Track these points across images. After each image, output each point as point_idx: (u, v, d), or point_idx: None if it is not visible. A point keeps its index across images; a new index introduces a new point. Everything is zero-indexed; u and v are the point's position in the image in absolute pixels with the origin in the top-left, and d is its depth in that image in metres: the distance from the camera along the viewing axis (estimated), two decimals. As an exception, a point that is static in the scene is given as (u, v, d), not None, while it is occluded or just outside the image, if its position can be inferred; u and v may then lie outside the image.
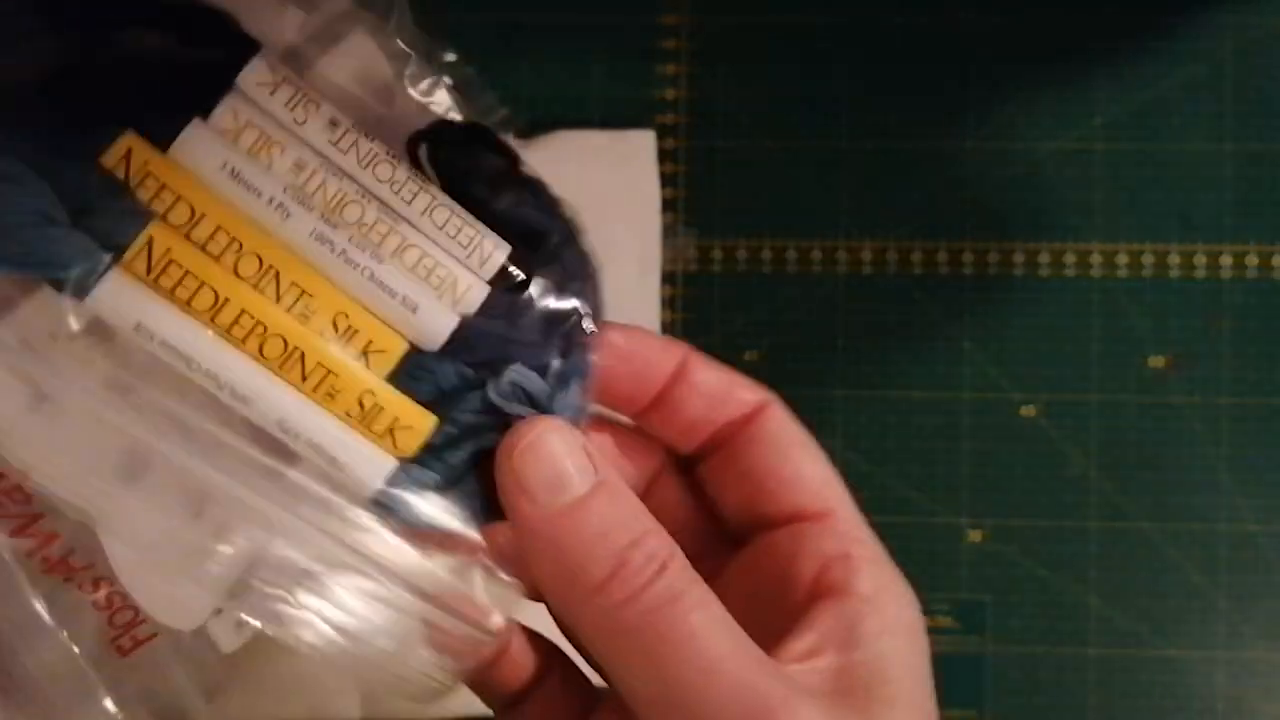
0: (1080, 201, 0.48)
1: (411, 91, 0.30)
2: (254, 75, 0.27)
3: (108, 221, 0.25)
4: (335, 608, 0.27)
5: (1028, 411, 0.48)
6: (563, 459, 0.27)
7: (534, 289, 0.29)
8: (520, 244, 0.29)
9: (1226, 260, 0.48)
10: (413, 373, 0.27)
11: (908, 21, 0.48)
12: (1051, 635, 0.48)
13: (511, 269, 0.29)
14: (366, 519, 0.27)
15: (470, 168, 0.29)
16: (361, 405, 0.27)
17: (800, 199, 0.48)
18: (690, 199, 0.48)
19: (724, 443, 0.31)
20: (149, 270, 0.25)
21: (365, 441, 0.27)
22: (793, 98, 0.48)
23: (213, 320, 0.26)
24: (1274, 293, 0.48)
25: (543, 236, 0.30)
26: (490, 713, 0.43)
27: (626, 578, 0.26)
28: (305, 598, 0.27)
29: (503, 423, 0.28)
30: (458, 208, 0.28)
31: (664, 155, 0.48)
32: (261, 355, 0.26)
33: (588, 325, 0.30)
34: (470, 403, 0.28)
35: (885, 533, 0.48)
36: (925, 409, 0.48)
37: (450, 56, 0.47)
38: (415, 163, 0.29)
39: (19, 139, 0.25)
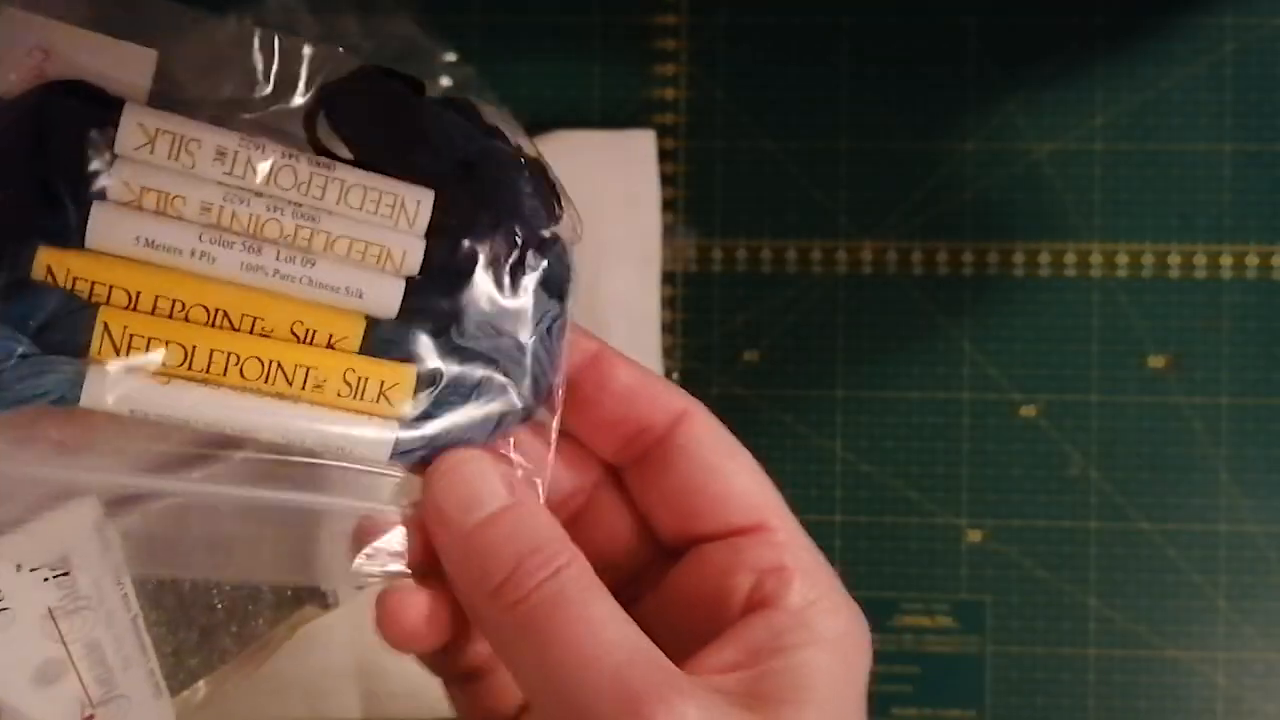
0: (1080, 201, 0.48)
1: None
2: (128, 138, 0.27)
3: (64, 328, 0.27)
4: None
5: (1028, 411, 0.48)
6: (477, 483, 0.29)
7: (479, 218, 0.29)
8: (456, 175, 0.29)
9: (1226, 260, 0.48)
10: (378, 346, 0.29)
11: (908, 21, 0.48)
12: (1051, 635, 0.48)
13: (441, 215, 0.29)
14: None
15: (371, 120, 0.29)
16: (348, 382, 0.28)
17: (800, 199, 0.48)
18: (690, 199, 0.48)
19: (646, 452, 0.31)
20: (117, 351, 0.27)
21: (363, 421, 0.29)
22: (793, 98, 0.48)
23: (189, 369, 0.28)
24: (1274, 293, 0.48)
25: (474, 158, 0.29)
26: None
27: (520, 580, 0.27)
28: None
29: (484, 357, 0.29)
30: (370, 177, 0.29)
31: (664, 155, 0.48)
32: (244, 378, 0.28)
33: (537, 230, 0.30)
34: (440, 348, 0.29)
35: (885, 533, 0.49)
36: (925, 409, 0.48)
37: (450, 56, 0.48)
38: (316, 143, 0.29)
39: None
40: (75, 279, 0.27)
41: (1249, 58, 0.48)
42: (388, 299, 0.29)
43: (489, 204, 0.29)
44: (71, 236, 0.27)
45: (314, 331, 0.28)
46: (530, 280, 0.29)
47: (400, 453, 0.29)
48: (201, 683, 0.37)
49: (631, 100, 0.48)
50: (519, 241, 0.29)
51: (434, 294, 0.29)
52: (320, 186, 0.28)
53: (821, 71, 0.48)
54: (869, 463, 0.48)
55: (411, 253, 0.29)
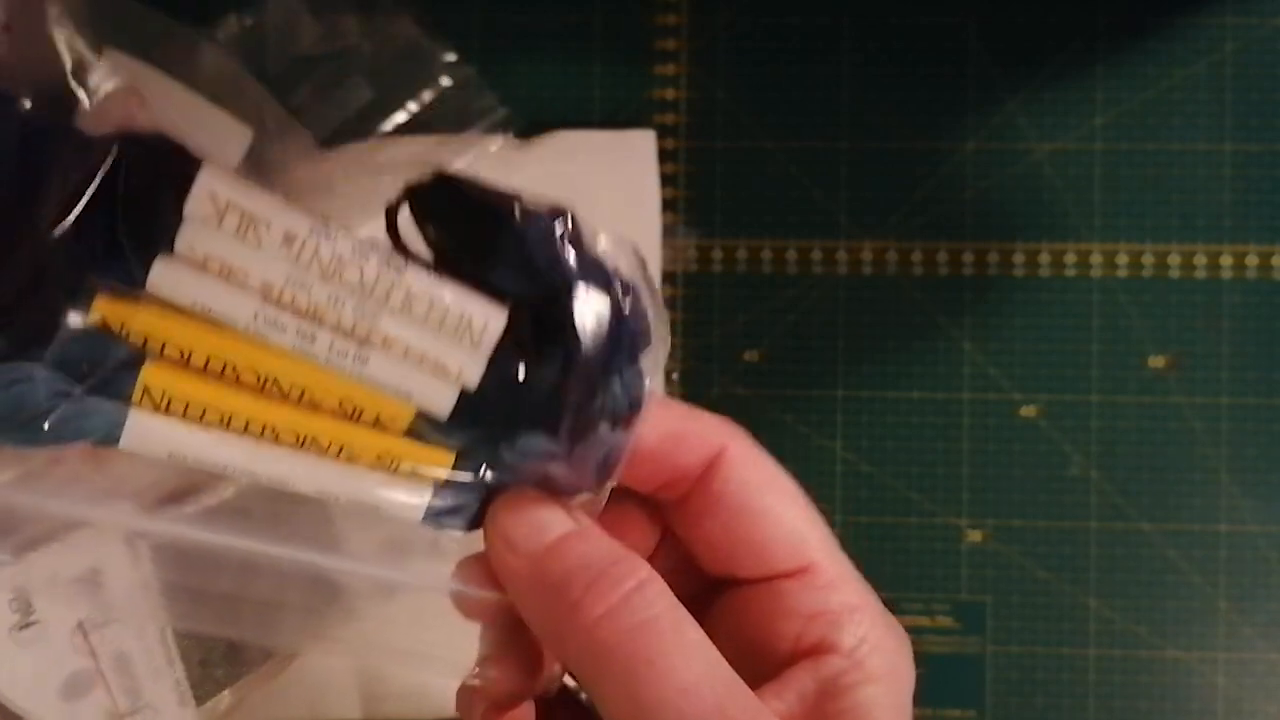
0: (1080, 201, 0.48)
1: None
2: (198, 208, 0.27)
3: (110, 379, 0.27)
4: None
5: (1028, 412, 0.48)
6: (542, 512, 0.28)
7: (551, 354, 0.28)
8: (538, 301, 0.28)
9: (1226, 260, 0.48)
10: (425, 432, 0.28)
11: (908, 21, 0.48)
12: (1051, 635, 0.48)
13: (511, 338, 0.28)
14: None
15: (454, 223, 0.28)
16: (380, 458, 0.28)
17: (800, 199, 0.48)
18: (690, 199, 0.48)
19: (688, 495, 0.30)
20: (157, 408, 0.27)
21: (397, 483, 0.28)
22: (793, 98, 0.48)
23: (227, 430, 0.27)
24: (1274, 293, 0.48)
25: (558, 287, 0.28)
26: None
27: (602, 591, 0.26)
28: None
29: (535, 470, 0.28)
30: (440, 286, 0.28)
31: (664, 155, 0.48)
32: (278, 444, 0.28)
33: (615, 370, 0.28)
34: (488, 456, 0.28)
35: (885, 533, 0.49)
36: (925, 409, 0.48)
37: (450, 56, 0.48)
38: (396, 237, 0.28)
39: (12, 338, 0.26)
40: (129, 331, 0.27)
41: (1249, 58, 0.48)
42: (438, 405, 0.28)
43: (565, 343, 0.28)
44: (131, 286, 0.27)
45: (361, 410, 0.28)
46: (601, 425, 0.28)
47: (433, 515, 0.28)
48: (227, 692, 0.37)
49: (632, 100, 0.48)
50: (594, 382, 0.28)
51: (488, 413, 0.28)
52: (386, 289, 0.27)
53: (822, 71, 0.48)
54: (869, 463, 0.48)
55: (469, 370, 0.28)
